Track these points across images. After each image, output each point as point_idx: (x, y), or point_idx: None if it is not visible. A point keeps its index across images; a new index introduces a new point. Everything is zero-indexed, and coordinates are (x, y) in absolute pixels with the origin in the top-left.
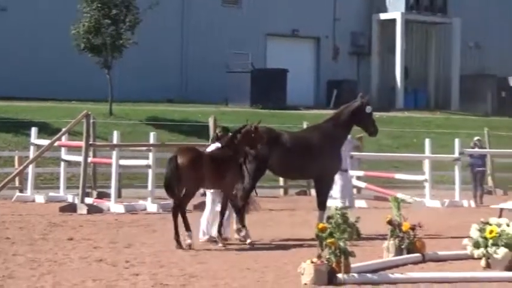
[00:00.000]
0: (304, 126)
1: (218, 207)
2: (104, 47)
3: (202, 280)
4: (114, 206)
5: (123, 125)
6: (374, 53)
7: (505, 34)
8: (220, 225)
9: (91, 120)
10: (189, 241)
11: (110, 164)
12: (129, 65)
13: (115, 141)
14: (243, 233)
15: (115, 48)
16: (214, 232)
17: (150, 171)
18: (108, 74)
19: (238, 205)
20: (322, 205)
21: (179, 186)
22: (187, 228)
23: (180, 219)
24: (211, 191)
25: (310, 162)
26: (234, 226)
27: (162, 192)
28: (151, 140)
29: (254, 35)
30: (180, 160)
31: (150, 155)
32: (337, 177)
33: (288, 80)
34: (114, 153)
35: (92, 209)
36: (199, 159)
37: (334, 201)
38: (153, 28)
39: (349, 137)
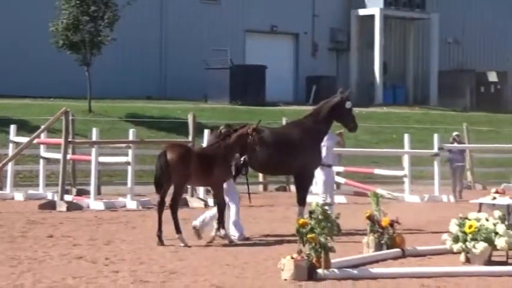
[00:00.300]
0: (284, 122)
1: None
2: (83, 44)
3: (183, 277)
4: (93, 203)
5: (102, 122)
6: (353, 48)
7: (483, 29)
8: (219, 222)
9: (70, 118)
10: (182, 244)
11: (89, 161)
12: (108, 62)
13: (94, 138)
14: (223, 232)
15: (94, 45)
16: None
17: (129, 168)
18: (87, 71)
19: (223, 203)
20: (302, 201)
21: (167, 183)
22: (178, 230)
23: (169, 217)
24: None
25: (291, 158)
26: (214, 223)
27: (141, 189)
28: (131, 137)
29: (233, 32)
30: (169, 156)
31: (130, 151)
32: (321, 173)
33: (267, 76)
34: (94, 150)
35: (72, 206)
36: (188, 155)
37: (315, 197)
38: (131, 25)
39: (330, 132)
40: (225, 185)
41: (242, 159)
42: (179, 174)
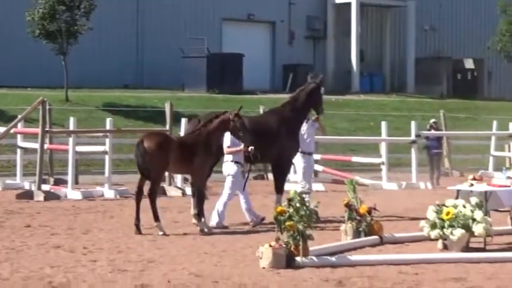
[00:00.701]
0: (261, 110)
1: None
2: (59, 34)
3: (161, 265)
4: (71, 193)
5: (79, 111)
6: (329, 36)
7: (459, 16)
8: (198, 210)
9: (47, 107)
10: (161, 233)
11: (66, 151)
12: (85, 51)
13: (71, 127)
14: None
15: (70, 35)
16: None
17: (106, 158)
18: (64, 61)
19: (203, 191)
20: (280, 189)
21: (146, 171)
22: (156, 218)
23: (148, 206)
24: (229, 176)
25: (269, 146)
26: (192, 211)
27: (119, 178)
28: (108, 126)
29: (210, 20)
30: (146, 144)
31: (107, 141)
32: (301, 160)
33: (243, 64)
34: (71, 140)
35: (49, 196)
36: (166, 143)
37: (294, 185)
38: (108, 14)
39: (311, 120)
40: (233, 173)
41: (250, 149)
42: (156, 163)
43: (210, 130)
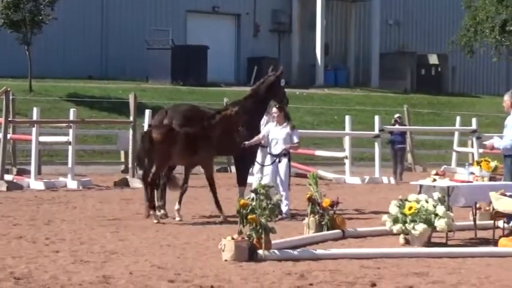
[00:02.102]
0: (225, 102)
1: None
2: (23, 23)
3: (123, 257)
4: (34, 183)
5: (43, 102)
6: (294, 30)
7: (424, 12)
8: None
9: (10, 97)
10: (155, 221)
11: (29, 141)
12: (49, 41)
13: (35, 117)
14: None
15: (34, 24)
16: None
17: (70, 148)
18: (28, 50)
19: (178, 184)
20: (242, 181)
21: (150, 162)
22: (153, 207)
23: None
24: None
25: (231, 138)
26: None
27: (82, 169)
28: (71, 117)
29: (174, 12)
30: (153, 136)
31: (70, 131)
32: (260, 154)
33: (208, 56)
34: (34, 130)
35: (12, 186)
36: (172, 136)
37: (256, 178)
38: (72, 4)
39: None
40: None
41: (244, 144)
42: (161, 154)
43: (213, 124)
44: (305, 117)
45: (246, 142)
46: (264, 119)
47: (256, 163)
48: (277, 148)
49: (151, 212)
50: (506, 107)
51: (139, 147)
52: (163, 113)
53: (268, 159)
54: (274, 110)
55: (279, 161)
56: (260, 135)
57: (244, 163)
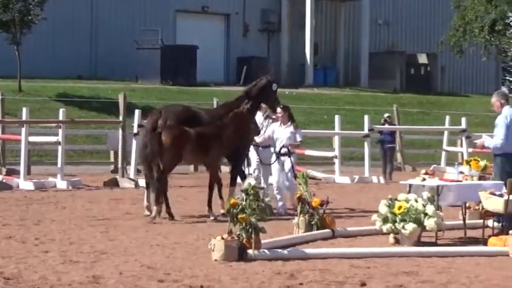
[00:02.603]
0: (215, 102)
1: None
2: (13, 23)
3: (113, 257)
4: (23, 183)
5: (32, 102)
6: (284, 29)
7: (413, 11)
8: (210, 200)
9: (0, 97)
10: (156, 220)
11: (19, 141)
12: (38, 42)
13: (24, 117)
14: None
15: (24, 24)
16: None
17: (59, 148)
18: (17, 50)
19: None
20: (233, 181)
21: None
22: (158, 202)
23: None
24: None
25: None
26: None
27: (71, 169)
28: (61, 117)
29: (164, 12)
30: (163, 137)
31: (60, 131)
32: (254, 154)
33: (198, 56)
34: (24, 130)
35: (1, 186)
36: (183, 136)
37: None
38: (62, 4)
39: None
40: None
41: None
42: (172, 156)
43: (225, 123)
44: (295, 117)
45: (257, 138)
46: (259, 122)
47: (257, 162)
48: (281, 147)
49: (154, 207)
50: (496, 107)
51: (148, 149)
52: (158, 114)
53: (272, 158)
54: (279, 110)
55: (282, 160)
56: (266, 135)
57: (234, 163)
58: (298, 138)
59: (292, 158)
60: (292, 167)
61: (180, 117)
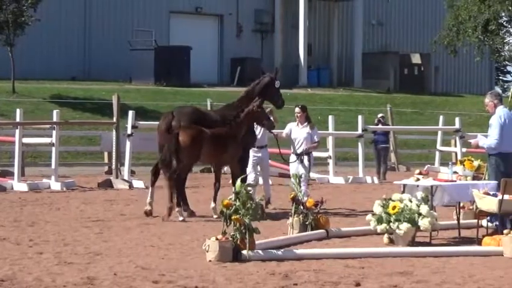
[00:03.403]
0: (208, 103)
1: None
2: (6, 25)
3: (107, 258)
4: (17, 185)
5: (26, 103)
6: (277, 30)
7: (406, 11)
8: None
9: None
10: (181, 218)
11: (13, 142)
12: (32, 43)
13: (18, 119)
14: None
15: (17, 26)
16: None
17: (53, 150)
18: (11, 52)
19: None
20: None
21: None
22: (178, 203)
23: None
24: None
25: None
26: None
27: (65, 170)
28: (55, 118)
29: (157, 13)
30: (181, 138)
31: (54, 133)
32: (251, 154)
33: (191, 57)
34: (17, 131)
35: None
36: (200, 137)
37: (251, 177)
38: (55, 5)
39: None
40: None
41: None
42: (190, 155)
43: (239, 123)
44: (288, 117)
45: (274, 132)
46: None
47: (253, 162)
48: (299, 147)
49: (177, 209)
50: (490, 108)
51: (165, 150)
52: (170, 115)
53: (291, 158)
54: (297, 110)
55: (301, 160)
56: (283, 134)
57: (242, 164)
58: (316, 139)
59: (311, 158)
60: (310, 168)
61: (193, 118)
